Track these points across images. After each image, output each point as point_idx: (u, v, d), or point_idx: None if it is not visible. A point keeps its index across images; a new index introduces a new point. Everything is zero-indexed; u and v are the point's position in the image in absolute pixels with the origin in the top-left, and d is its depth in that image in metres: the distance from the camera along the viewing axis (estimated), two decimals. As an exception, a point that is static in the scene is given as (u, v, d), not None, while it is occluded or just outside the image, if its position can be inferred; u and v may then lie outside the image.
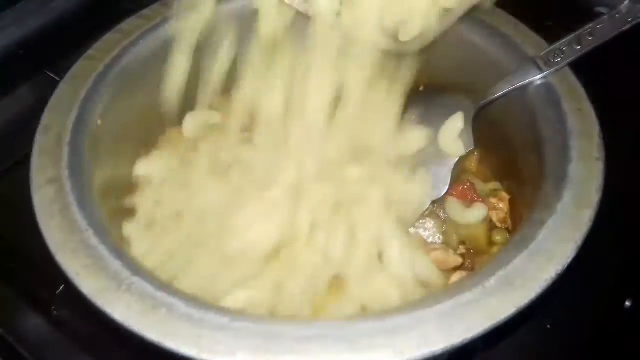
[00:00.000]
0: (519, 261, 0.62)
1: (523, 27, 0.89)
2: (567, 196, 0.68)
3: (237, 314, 0.58)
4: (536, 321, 0.81)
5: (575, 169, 0.71)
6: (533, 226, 0.65)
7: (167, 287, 0.61)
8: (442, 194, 0.87)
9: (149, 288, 0.60)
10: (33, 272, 0.82)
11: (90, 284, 0.60)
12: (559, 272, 0.61)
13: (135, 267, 0.62)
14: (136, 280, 0.61)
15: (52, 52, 1.15)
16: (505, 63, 0.87)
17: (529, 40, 0.87)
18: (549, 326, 0.81)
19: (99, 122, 0.79)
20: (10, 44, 1.16)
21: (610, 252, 0.88)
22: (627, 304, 0.84)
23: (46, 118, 0.76)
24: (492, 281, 0.60)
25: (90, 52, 0.85)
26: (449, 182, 0.88)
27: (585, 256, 0.65)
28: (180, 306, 0.58)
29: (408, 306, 0.59)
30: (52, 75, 1.11)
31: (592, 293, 0.85)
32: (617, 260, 0.89)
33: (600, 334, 0.83)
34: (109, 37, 0.88)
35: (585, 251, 0.65)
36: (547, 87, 0.81)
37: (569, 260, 0.62)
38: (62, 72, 0.83)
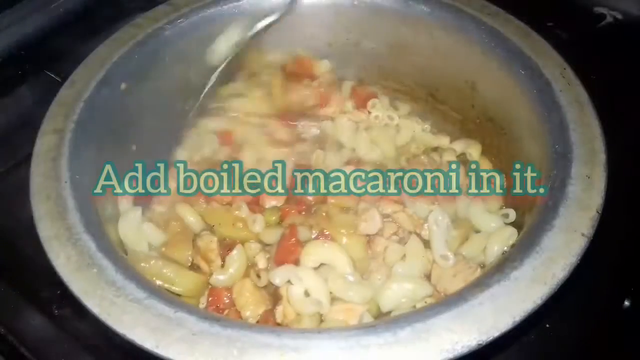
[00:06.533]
0: (442, 319, 0.58)
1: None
2: (527, 267, 0.62)
3: (155, 292, 0.61)
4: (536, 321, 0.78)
5: (551, 240, 0.64)
6: (475, 288, 0.61)
7: (108, 250, 0.65)
8: None
9: (91, 246, 0.65)
10: (34, 272, 0.82)
11: (47, 229, 0.66)
12: (481, 343, 0.57)
13: (90, 224, 0.67)
14: (84, 236, 0.66)
15: (52, 52, 1.18)
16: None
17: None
18: (548, 326, 0.81)
19: (123, 85, 0.85)
20: (10, 44, 1.18)
21: (609, 253, 0.85)
22: (626, 303, 0.84)
23: (76, 73, 0.83)
24: (406, 330, 0.58)
25: (138, 19, 0.91)
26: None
27: (584, 257, 0.63)
28: (110, 271, 0.63)
29: (310, 331, 0.59)
30: (52, 75, 1.13)
31: (591, 293, 0.84)
32: (616, 260, 0.87)
33: (599, 334, 0.82)
34: (160, 8, 0.93)
35: (584, 252, 0.63)
36: (564, 146, 0.74)
37: (497, 334, 0.58)
38: (62, 72, 0.83)
